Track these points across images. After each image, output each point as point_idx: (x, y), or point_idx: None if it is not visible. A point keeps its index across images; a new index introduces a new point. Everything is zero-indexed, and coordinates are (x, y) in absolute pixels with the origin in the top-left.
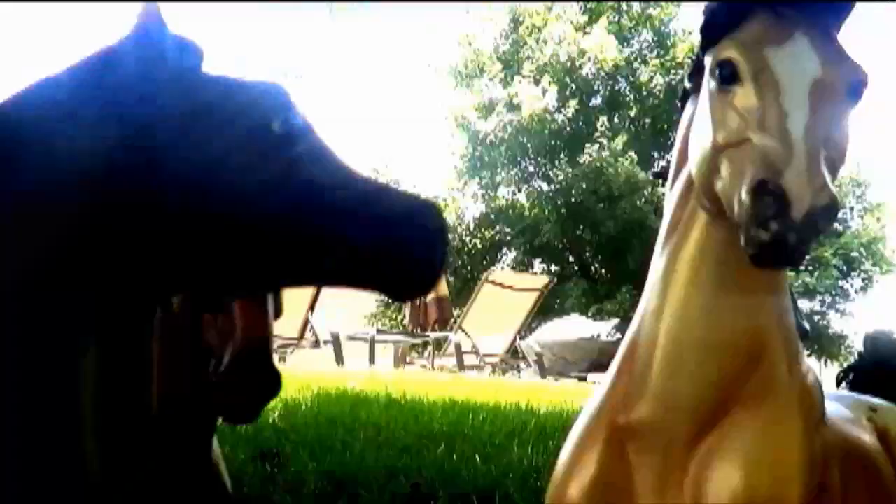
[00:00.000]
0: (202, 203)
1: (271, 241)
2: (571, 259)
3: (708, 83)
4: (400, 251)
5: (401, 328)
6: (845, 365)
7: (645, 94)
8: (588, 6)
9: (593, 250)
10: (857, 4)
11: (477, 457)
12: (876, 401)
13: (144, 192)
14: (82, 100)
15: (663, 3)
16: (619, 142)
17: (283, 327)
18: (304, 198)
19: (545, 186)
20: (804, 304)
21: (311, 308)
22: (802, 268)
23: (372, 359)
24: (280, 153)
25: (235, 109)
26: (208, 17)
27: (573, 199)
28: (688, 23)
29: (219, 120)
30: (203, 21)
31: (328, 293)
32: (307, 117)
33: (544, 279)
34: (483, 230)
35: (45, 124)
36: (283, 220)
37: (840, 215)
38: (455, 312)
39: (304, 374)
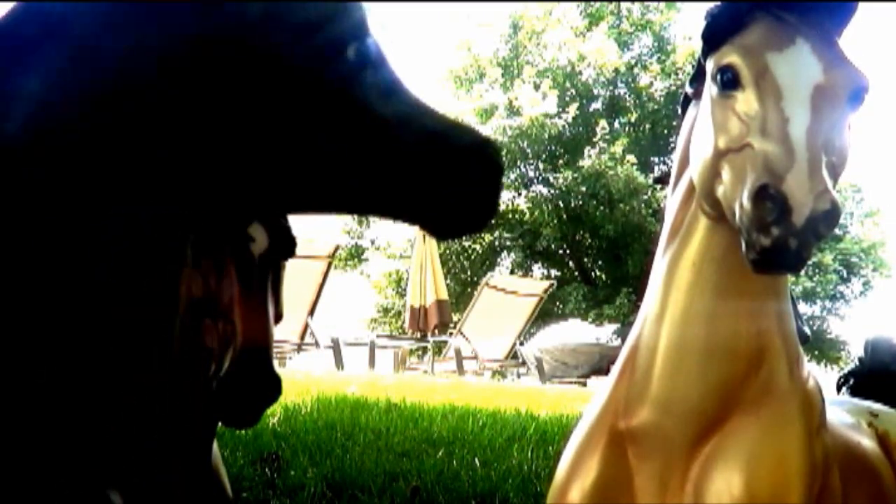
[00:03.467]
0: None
1: (329, 167)
2: (571, 263)
3: (709, 88)
4: (457, 186)
5: (400, 332)
6: (845, 369)
7: (645, 98)
8: (588, 11)
9: (593, 254)
10: (859, 8)
11: (476, 461)
12: (876, 406)
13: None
14: None
15: (663, 8)
16: (619, 146)
17: (284, 331)
18: (369, 134)
19: (545, 191)
20: (804, 309)
21: (311, 312)
22: (802, 272)
23: (372, 363)
24: (350, 83)
25: (307, 21)
26: None
27: (573, 204)
28: (688, 28)
29: (291, 30)
30: None
31: (328, 297)
32: (377, 42)
33: (544, 284)
34: (482, 234)
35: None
36: (343, 155)
37: (840, 220)
38: (455, 317)
39: (303, 378)
